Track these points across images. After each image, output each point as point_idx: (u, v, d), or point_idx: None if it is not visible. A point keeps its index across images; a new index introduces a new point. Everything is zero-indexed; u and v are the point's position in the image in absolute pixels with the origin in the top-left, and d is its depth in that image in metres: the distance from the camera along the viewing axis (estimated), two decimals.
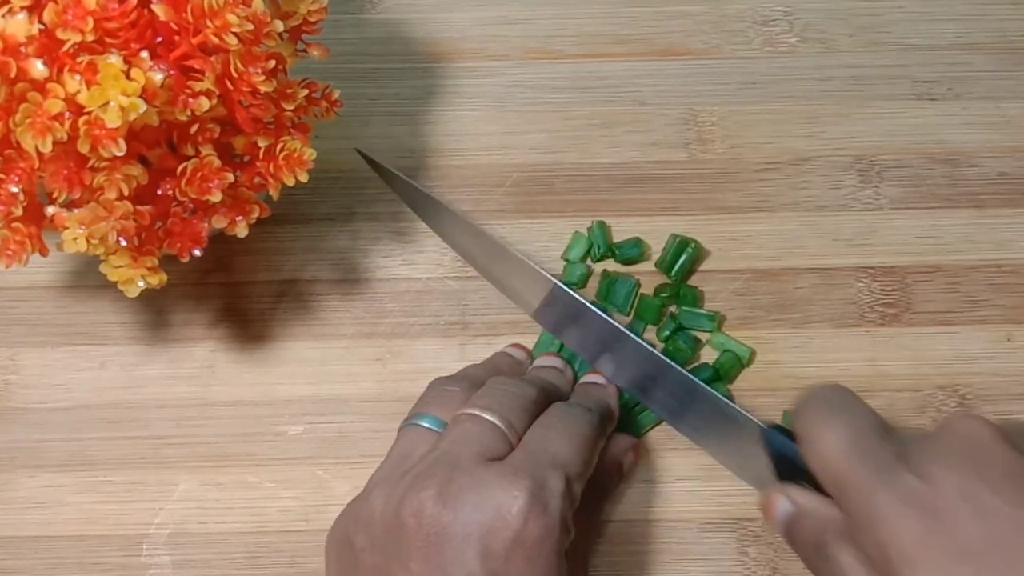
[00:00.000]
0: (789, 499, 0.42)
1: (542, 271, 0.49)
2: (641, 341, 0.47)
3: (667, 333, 0.50)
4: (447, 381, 0.45)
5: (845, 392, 0.41)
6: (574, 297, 0.48)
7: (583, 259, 0.52)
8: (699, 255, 0.52)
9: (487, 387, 0.43)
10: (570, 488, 0.39)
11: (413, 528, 0.37)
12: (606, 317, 0.47)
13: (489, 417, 0.41)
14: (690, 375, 0.46)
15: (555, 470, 0.39)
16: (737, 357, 0.50)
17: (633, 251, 0.52)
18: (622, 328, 0.47)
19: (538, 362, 0.49)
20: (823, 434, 0.39)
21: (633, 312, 0.51)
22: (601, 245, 0.52)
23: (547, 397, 0.44)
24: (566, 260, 0.52)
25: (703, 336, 0.50)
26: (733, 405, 0.45)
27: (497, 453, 0.40)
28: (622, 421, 0.48)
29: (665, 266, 0.52)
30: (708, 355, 0.50)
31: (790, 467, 0.42)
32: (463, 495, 0.37)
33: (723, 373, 0.50)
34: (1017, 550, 0.34)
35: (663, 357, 0.46)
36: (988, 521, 0.34)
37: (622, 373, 0.48)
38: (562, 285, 0.48)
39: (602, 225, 0.53)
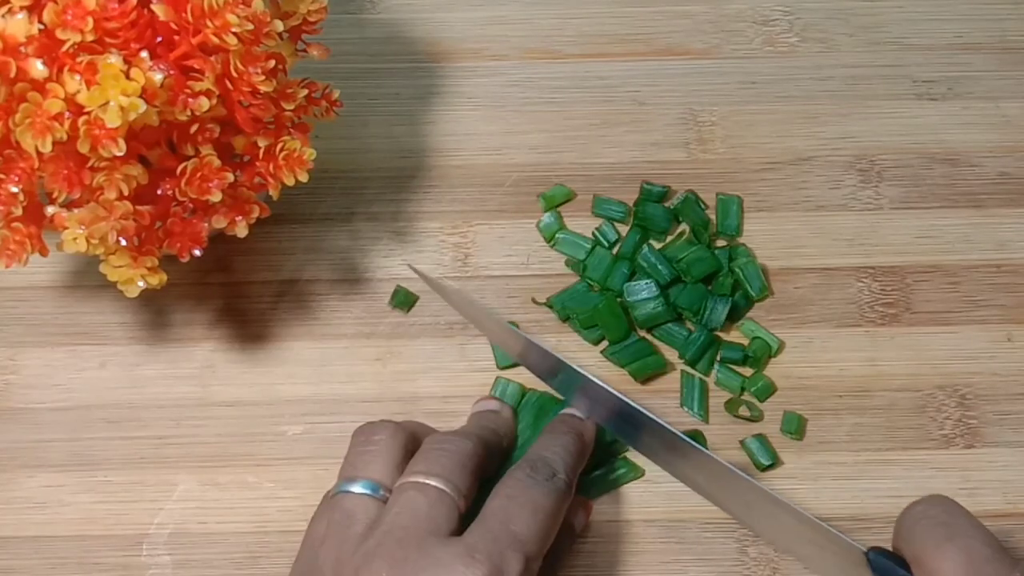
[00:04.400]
0: None
1: (606, 387, 0.46)
2: (717, 457, 0.44)
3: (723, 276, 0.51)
4: (370, 431, 0.43)
5: (954, 508, 0.39)
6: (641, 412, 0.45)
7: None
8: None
9: (423, 450, 0.42)
10: (528, 569, 0.38)
11: None
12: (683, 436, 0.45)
13: (434, 483, 0.39)
14: (781, 498, 0.43)
15: (515, 551, 0.38)
16: (767, 344, 0.50)
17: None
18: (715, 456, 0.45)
19: (475, 408, 0.48)
20: (938, 560, 0.37)
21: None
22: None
23: (486, 447, 0.43)
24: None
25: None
26: (833, 529, 0.42)
27: (448, 524, 0.39)
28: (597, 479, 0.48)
29: (720, 225, 0.53)
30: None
31: None
32: (418, 575, 0.37)
33: (753, 360, 0.50)
34: None
35: (743, 474, 0.44)
36: None
37: (696, 478, 0.46)
38: (623, 396, 0.46)
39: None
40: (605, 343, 0.50)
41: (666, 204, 0.53)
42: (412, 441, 0.43)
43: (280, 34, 0.43)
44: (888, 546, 0.41)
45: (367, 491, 0.41)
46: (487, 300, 0.52)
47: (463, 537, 0.38)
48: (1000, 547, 0.37)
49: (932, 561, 0.37)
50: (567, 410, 0.47)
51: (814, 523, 0.43)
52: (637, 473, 0.48)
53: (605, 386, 0.46)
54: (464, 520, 0.40)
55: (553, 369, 0.48)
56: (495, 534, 0.38)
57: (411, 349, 0.51)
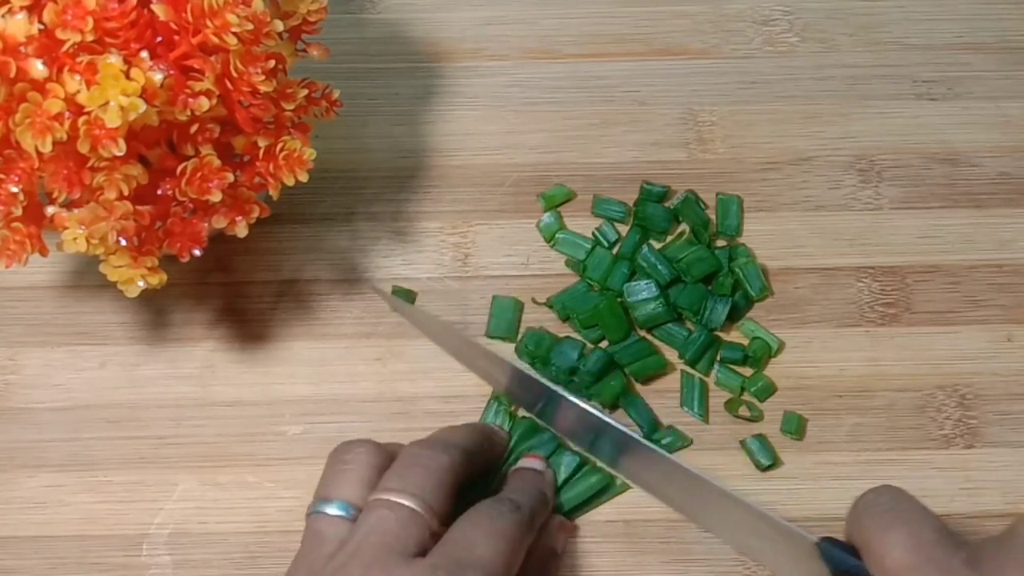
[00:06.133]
0: None
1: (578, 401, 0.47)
2: (663, 452, 0.45)
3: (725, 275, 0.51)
4: (346, 450, 0.42)
5: (900, 495, 0.40)
6: (592, 413, 0.46)
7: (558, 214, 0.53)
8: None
9: (400, 461, 0.41)
10: None
11: None
12: (637, 437, 0.46)
13: (405, 502, 0.39)
14: (730, 490, 0.44)
15: (474, 571, 0.37)
16: (767, 344, 0.50)
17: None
18: (646, 443, 0.46)
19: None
20: (886, 545, 0.37)
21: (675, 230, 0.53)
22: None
23: (468, 460, 0.42)
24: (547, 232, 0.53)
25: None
26: (785, 522, 0.42)
27: (415, 544, 0.38)
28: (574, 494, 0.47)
29: (720, 225, 0.53)
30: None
31: None
32: None
33: (753, 360, 0.50)
34: None
35: (699, 472, 0.44)
36: None
37: (643, 477, 0.47)
38: (575, 400, 0.47)
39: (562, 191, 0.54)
40: (605, 343, 0.50)
41: (666, 204, 0.53)
42: (388, 461, 0.42)
43: (280, 34, 0.43)
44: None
45: (339, 512, 0.40)
46: (487, 300, 0.52)
47: (426, 559, 0.38)
48: (947, 531, 0.38)
49: (880, 547, 0.37)
50: (525, 462, 0.47)
51: (765, 515, 0.43)
52: (618, 489, 0.48)
53: (566, 394, 0.47)
54: (438, 537, 0.39)
55: (525, 390, 0.48)
56: (457, 556, 0.38)
57: (411, 349, 0.51)
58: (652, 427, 0.49)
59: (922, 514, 0.38)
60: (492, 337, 0.51)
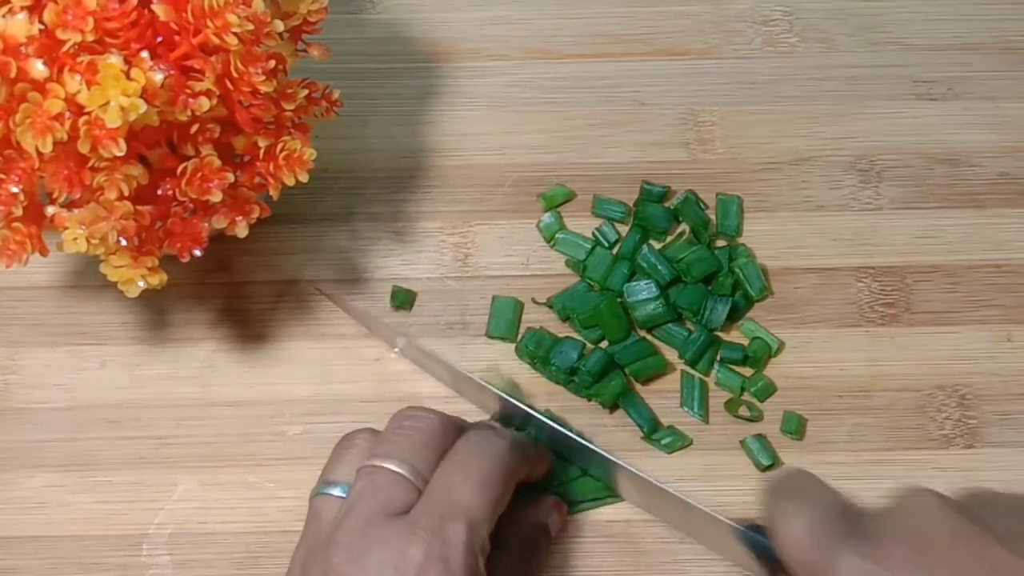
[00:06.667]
0: None
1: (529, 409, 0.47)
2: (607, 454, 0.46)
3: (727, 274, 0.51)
4: (347, 438, 0.43)
5: (803, 477, 0.40)
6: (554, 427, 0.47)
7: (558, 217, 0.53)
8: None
9: (387, 430, 0.42)
10: (474, 536, 0.38)
11: None
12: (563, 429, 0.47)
13: (390, 466, 0.40)
14: (657, 482, 0.45)
15: (456, 521, 0.38)
16: (767, 344, 0.50)
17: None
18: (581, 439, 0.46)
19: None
20: (784, 525, 0.38)
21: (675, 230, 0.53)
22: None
23: (457, 427, 0.43)
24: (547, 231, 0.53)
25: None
26: (708, 510, 0.43)
27: (402, 505, 0.39)
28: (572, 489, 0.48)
29: (720, 225, 0.53)
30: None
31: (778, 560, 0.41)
32: (363, 559, 0.37)
33: (753, 360, 0.50)
34: None
35: (642, 473, 0.45)
36: None
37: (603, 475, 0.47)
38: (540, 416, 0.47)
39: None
40: (605, 343, 0.50)
41: (666, 204, 0.53)
42: None
43: (280, 34, 0.43)
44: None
45: (338, 493, 0.41)
46: (487, 300, 0.52)
47: (408, 514, 0.38)
48: (841, 503, 0.38)
49: (779, 526, 0.39)
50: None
51: (688, 504, 0.44)
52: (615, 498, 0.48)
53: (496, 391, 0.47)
54: None
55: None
56: (437, 507, 0.39)
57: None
58: (652, 427, 0.49)
59: (820, 491, 0.39)
60: (492, 337, 0.51)
